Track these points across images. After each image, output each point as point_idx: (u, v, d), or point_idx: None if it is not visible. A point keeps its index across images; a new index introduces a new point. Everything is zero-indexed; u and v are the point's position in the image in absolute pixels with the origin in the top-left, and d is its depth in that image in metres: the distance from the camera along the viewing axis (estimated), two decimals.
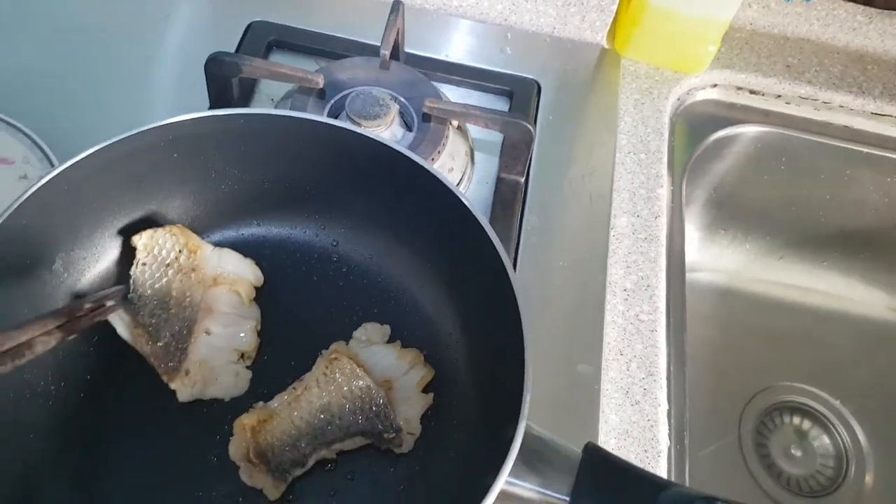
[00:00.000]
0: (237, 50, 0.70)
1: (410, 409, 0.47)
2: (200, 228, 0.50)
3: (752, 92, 0.79)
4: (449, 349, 0.49)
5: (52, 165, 0.55)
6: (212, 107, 0.64)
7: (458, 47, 0.73)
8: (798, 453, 0.80)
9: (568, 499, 0.37)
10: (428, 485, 0.45)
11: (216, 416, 0.46)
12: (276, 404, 0.45)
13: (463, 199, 0.46)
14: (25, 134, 0.60)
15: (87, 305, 0.41)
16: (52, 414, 0.44)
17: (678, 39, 0.73)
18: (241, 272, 0.50)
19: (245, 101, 0.67)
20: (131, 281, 0.47)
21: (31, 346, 0.26)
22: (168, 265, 0.47)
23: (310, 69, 0.62)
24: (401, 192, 0.50)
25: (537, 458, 0.38)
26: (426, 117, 0.61)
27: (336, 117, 0.60)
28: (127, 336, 0.45)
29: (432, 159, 0.59)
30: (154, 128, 0.45)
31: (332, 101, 0.61)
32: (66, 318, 0.38)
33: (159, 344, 0.45)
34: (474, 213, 0.46)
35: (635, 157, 0.70)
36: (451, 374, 0.49)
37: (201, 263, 0.48)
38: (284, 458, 0.43)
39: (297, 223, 0.53)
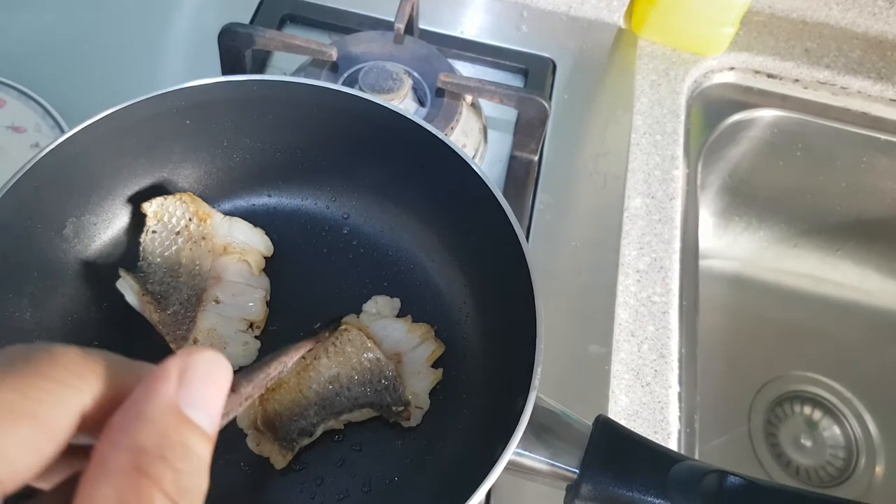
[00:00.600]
0: (251, 22, 0.69)
1: (419, 383, 0.46)
2: (211, 197, 0.50)
3: (769, 76, 0.78)
4: (460, 323, 0.49)
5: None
6: None
7: (473, 24, 0.73)
8: (808, 443, 0.80)
9: (578, 471, 0.36)
10: (435, 457, 0.45)
11: None
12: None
13: (478, 171, 0.45)
14: (38, 103, 0.60)
15: None
16: None
17: (696, 20, 0.72)
18: (252, 242, 0.49)
19: (257, 73, 0.66)
20: (141, 248, 0.47)
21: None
22: (178, 233, 0.47)
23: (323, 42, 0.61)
24: (414, 164, 0.49)
25: (547, 431, 0.38)
26: (440, 92, 0.60)
27: None
28: (136, 303, 0.45)
29: (445, 135, 0.59)
30: (167, 93, 0.45)
31: (346, 75, 0.60)
32: None
33: (168, 312, 0.45)
34: (490, 185, 0.45)
35: (651, 139, 0.69)
36: (462, 347, 0.48)
37: (211, 232, 0.48)
38: (292, 427, 0.43)
39: (309, 194, 0.53)
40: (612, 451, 0.36)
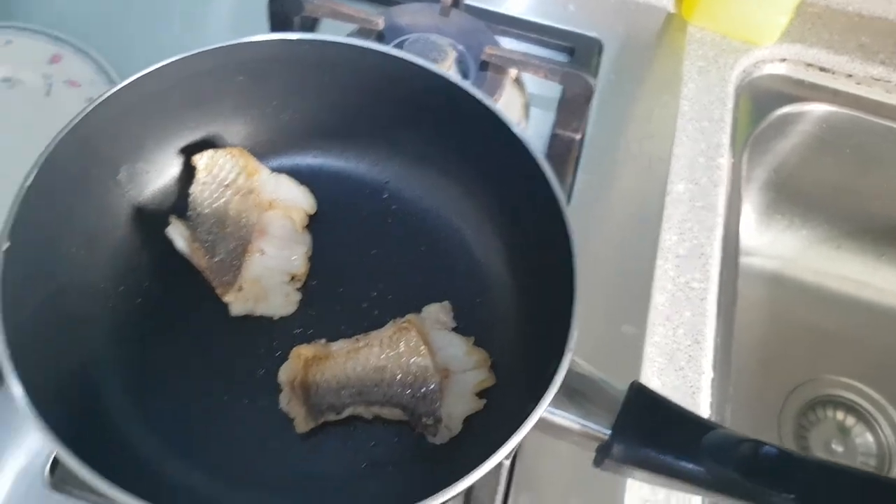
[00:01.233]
0: None
1: (458, 406, 0.44)
2: (259, 153, 0.51)
3: (821, 69, 0.76)
4: (496, 290, 0.49)
5: None
6: None
7: (519, 1, 0.73)
8: (839, 448, 0.78)
9: (609, 432, 0.36)
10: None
11: (264, 332, 0.47)
12: (335, 347, 0.45)
13: (524, 141, 0.45)
14: (93, 59, 0.62)
15: None
16: (111, 312, 0.45)
17: (748, 8, 0.71)
18: (296, 199, 0.50)
19: None
20: (190, 199, 0.48)
21: None
22: (227, 186, 0.48)
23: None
24: (459, 132, 0.49)
25: (580, 395, 0.38)
26: (484, 66, 0.60)
27: None
28: (185, 249, 0.46)
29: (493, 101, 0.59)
30: (223, 47, 0.46)
31: (391, 45, 0.61)
32: None
33: (215, 259, 0.46)
34: (535, 155, 0.45)
35: (697, 125, 0.68)
36: (500, 317, 0.48)
37: (258, 187, 0.49)
38: (324, 400, 0.43)
39: (352, 157, 0.53)
40: (646, 414, 0.36)
